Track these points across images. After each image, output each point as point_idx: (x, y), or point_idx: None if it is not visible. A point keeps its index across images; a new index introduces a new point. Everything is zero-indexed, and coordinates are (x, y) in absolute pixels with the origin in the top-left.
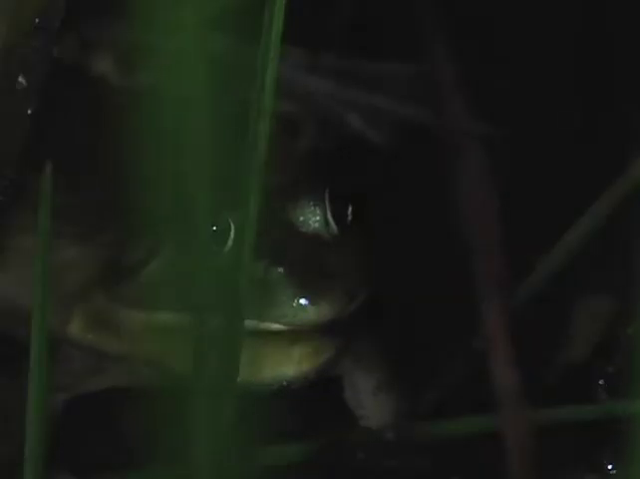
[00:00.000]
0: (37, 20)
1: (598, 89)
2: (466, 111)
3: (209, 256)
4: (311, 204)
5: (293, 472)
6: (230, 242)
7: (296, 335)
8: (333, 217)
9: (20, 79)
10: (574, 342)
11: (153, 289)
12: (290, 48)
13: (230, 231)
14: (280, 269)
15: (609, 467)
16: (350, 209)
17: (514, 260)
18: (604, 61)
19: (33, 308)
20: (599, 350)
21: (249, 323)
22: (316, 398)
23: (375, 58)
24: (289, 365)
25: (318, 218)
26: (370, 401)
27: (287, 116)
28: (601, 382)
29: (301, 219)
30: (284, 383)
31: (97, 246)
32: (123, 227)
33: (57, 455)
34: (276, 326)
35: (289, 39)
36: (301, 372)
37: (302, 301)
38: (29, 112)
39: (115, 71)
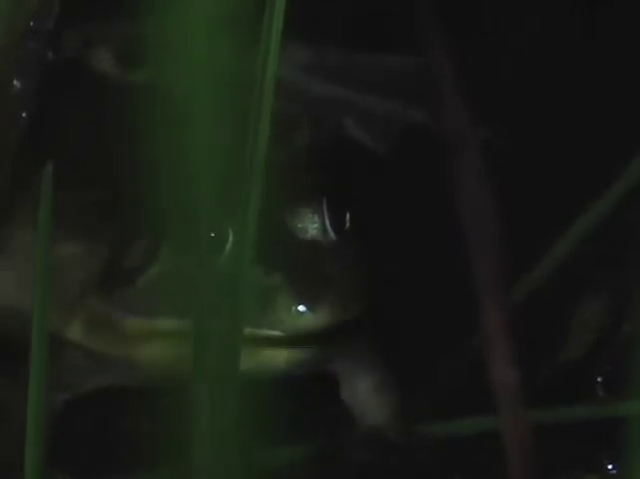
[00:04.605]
0: (31, 22)
1: (598, 88)
2: (465, 110)
3: (209, 263)
4: (309, 210)
5: (293, 472)
6: (229, 249)
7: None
8: (331, 223)
9: (15, 81)
10: (573, 341)
11: (151, 295)
12: (290, 48)
13: (229, 237)
14: (278, 276)
15: (609, 467)
16: (347, 215)
17: (514, 260)
18: (604, 60)
19: (34, 309)
20: (598, 349)
21: (247, 331)
22: (316, 398)
23: (375, 52)
24: (282, 354)
25: (316, 224)
26: (369, 401)
27: (284, 118)
28: (600, 380)
29: (299, 225)
30: (279, 373)
31: (96, 247)
32: (122, 227)
33: (57, 455)
34: (274, 333)
35: (289, 32)
36: (294, 361)
37: (300, 308)
38: (24, 114)
39: (116, 68)
